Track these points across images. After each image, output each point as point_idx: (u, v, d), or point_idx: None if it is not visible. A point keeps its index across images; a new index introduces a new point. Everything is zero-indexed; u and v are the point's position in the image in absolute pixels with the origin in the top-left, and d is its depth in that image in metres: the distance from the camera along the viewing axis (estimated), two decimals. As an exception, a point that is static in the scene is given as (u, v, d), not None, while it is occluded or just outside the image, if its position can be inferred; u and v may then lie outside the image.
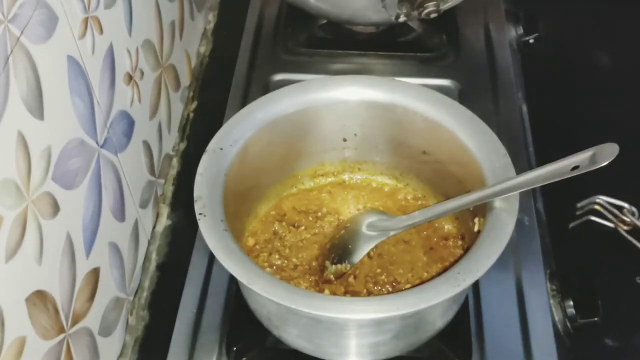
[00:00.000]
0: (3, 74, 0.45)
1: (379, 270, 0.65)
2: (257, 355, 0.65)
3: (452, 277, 0.52)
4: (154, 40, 0.74)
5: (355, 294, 0.63)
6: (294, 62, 0.90)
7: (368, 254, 0.64)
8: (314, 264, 0.65)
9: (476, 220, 0.60)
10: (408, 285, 0.63)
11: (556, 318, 0.67)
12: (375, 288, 0.63)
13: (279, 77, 0.88)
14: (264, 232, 0.68)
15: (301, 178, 0.71)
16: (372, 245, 0.63)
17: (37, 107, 0.50)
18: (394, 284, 0.64)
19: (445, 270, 0.56)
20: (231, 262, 0.53)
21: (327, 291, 0.63)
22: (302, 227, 0.68)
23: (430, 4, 0.81)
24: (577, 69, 0.97)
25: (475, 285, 0.68)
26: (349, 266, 0.63)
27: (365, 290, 0.63)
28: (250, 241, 0.67)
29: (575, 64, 0.98)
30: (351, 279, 0.64)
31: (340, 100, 0.66)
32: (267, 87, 0.87)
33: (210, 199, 0.57)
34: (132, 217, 0.69)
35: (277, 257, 0.66)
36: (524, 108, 0.86)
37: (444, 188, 0.67)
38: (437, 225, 0.67)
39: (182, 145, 0.84)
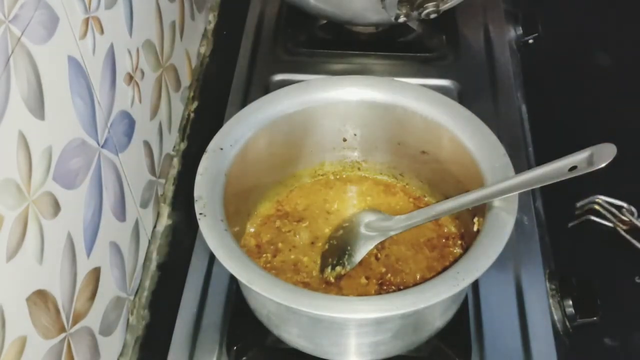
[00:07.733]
0: (4, 74, 0.45)
1: (384, 270, 0.65)
2: (257, 354, 0.65)
3: (452, 277, 0.52)
4: (154, 41, 0.74)
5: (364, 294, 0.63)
6: (294, 62, 0.90)
7: (373, 254, 0.64)
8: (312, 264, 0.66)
9: (475, 219, 0.61)
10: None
11: (555, 318, 0.67)
12: (384, 288, 0.64)
13: (279, 77, 0.88)
14: (267, 233, 0.68)
15: (301, 178, 0.71)
16: (371, 246, 0.63)
17: (38, 107, 0.50)
18: (400, 287, 0.64)
19: (445, 269, 0.56)
20: (231, 261, 0.53)
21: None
22: (304, 225, 0.68)
23: (430, 4, 0.81)
24: (577, 69, 0.97)
25: (475, 285, 0.68)
26: (348, 267, 0.63)
27: (373, 292, 0.63)
28: (252, 242, 0.67)
29: (575, 64, 0.98)
30: (363, 280, 0.64)
31: (340, 100, 0.66)
32: (267, 87, 0.87)
33: (210, 199, 0.57)
34: (132, 217, 0.69)
35: (281, 259, 0.66)
36: (524, 108, 0.86)
37: (444, 188, 0.67)
38: (437, 225, 0.68)
39: (183, 145, 0.84)
